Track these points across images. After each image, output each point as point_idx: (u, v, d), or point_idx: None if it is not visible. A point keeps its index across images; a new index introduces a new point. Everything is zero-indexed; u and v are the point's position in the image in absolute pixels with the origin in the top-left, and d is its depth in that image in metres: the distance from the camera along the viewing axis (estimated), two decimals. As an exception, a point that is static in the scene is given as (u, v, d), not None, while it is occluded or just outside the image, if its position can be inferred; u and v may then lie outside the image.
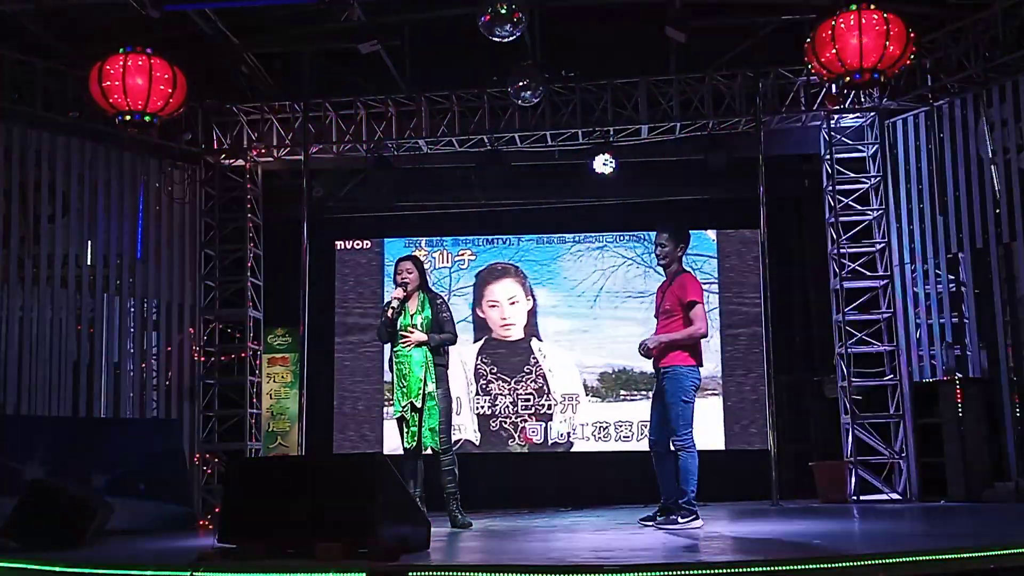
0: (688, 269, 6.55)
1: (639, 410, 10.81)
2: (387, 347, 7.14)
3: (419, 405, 6.73)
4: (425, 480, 6.87)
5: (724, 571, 3.81)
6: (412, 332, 6.81)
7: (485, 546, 5.53)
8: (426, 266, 8.64)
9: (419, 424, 6.73)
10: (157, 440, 8.81)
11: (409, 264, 6.97)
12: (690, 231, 6.74)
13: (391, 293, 6.97)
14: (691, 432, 6.25)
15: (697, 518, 6.16)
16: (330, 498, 4.78)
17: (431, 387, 6.75)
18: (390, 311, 6.89)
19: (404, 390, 6.78)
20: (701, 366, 6.43)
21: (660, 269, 6.74)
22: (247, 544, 4.68)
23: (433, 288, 7.66)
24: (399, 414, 6.79)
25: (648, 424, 6.64)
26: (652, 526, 6.35)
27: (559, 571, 4.04)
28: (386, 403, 11.17)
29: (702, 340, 6.44)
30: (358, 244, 11.55)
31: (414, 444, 6.74)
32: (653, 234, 10.98)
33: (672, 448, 6.34)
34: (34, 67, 8.75)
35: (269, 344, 11.21)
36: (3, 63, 8.57)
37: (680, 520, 6.16)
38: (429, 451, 6.80)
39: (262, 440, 10.45)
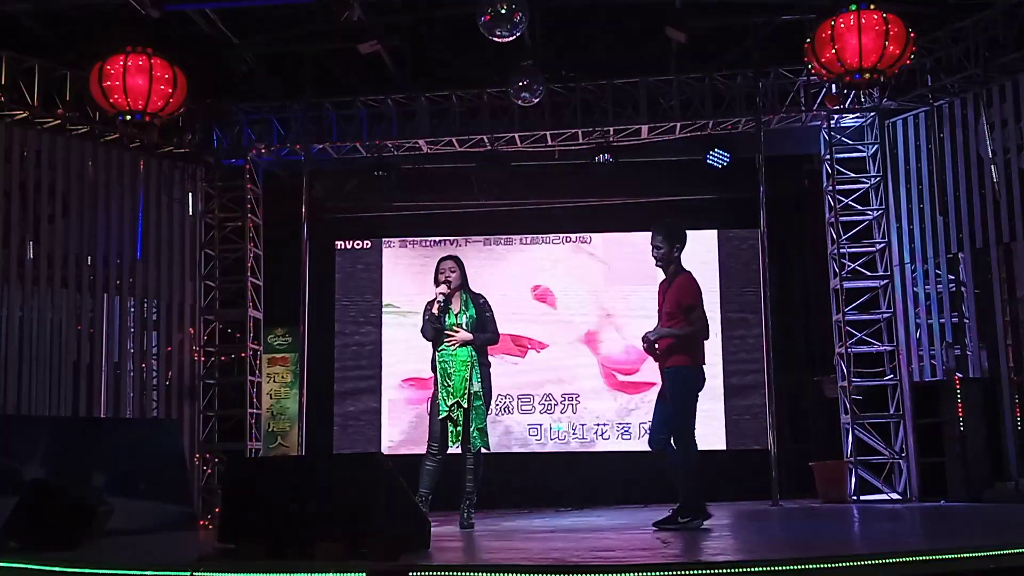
0: (687, 270, 6.50)
1: (639, 410, 10.83)
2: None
3: (466, 405, 6.72)
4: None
5: (724, 571, 3.81)
6: (457, 331, 6.77)
7: (485, 546, 5.53)
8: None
9: (465, 424, 6.71)
10: (157, 440, 8.77)
11: (451, 263, 6.91)
12: (686, 230, 6.64)
13: (436, 291, 6.84)
14: (692, 432, 6.23)
15: (697, 518, 6.13)
16: (330, 498, 4.78)
17: (476, 387, 6.75)
18: (436, 308, 6.80)
19: (449, 390, 6.74)
20: (704, 366, 6.42)
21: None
22: (247, 544, 4.68)
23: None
24: (445, 414, 6.72)
25: (650, 423, 6.61)
26: (657, 527, 6.29)
27: (559, 571, 4.03)
28: (389, 402, 11.17)
29: (704, 341, 6.42)
30: (358, 244, 11.54)
31: (457, 443, 6.74)
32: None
33: (673, 448, 6.31)
34: (34, 67, 8.75)
35: (269, 344, 11.21)
36: (3, 63, 8.57)
37: (680, 520, 6.13)
38: (478, 450, 6.79)
39: (262, 440, 10.45)
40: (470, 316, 6.81)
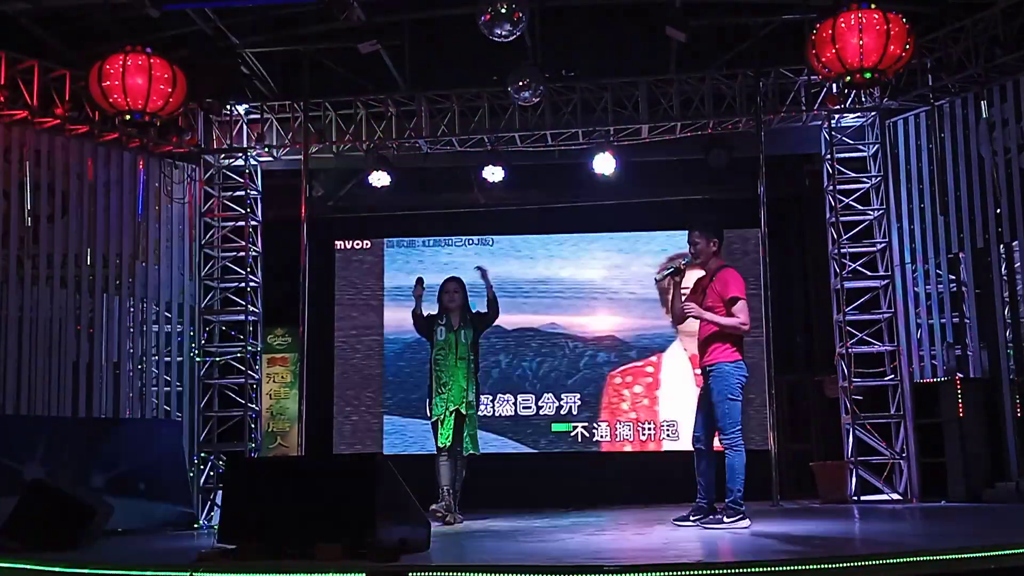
0: (728, 264, 6.43)
1: (640, 410, 10.83)
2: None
3: (464, 412, 7.25)
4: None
5: (724, 571, 3.81)
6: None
7: (485, 546, 5.53)
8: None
9: (458, 429, 7.22)
10: (157, 440, 8.80)
11: (455, 285, 7.59)
12: (722, 228, 6.54)
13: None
14: (739, 430, 6.17)
15: (744, 518, 6.03)
16: (330, 498, 4.78)
17: (471, 396, 7.31)
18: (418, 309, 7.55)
19: (444, 396, 7.25)
20: (745, 361, 6.34)
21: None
22: (247, 544, 4.67)
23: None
24: (436, 417, 7.25)
25: (693, 424, 6.51)
26: (690, 525, 6.24)
27: (559, 571, 4.03)
28: (389, 402, 11.18)
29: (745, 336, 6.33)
30: (358, 244, 11.54)
31: (449, 445, 7.22)
32: (653, 234, 11.14)
33: (720, 446, 6.25)
34: (33, 67, 8.73)
35: (269, 344, 11.21)
36: (3, 63, 8.56)
37: (726, 520, 6.03)
38: (468, 454, 7.35)
39: (262, 440, 10.45)
40: (468, 333, 7.43)
